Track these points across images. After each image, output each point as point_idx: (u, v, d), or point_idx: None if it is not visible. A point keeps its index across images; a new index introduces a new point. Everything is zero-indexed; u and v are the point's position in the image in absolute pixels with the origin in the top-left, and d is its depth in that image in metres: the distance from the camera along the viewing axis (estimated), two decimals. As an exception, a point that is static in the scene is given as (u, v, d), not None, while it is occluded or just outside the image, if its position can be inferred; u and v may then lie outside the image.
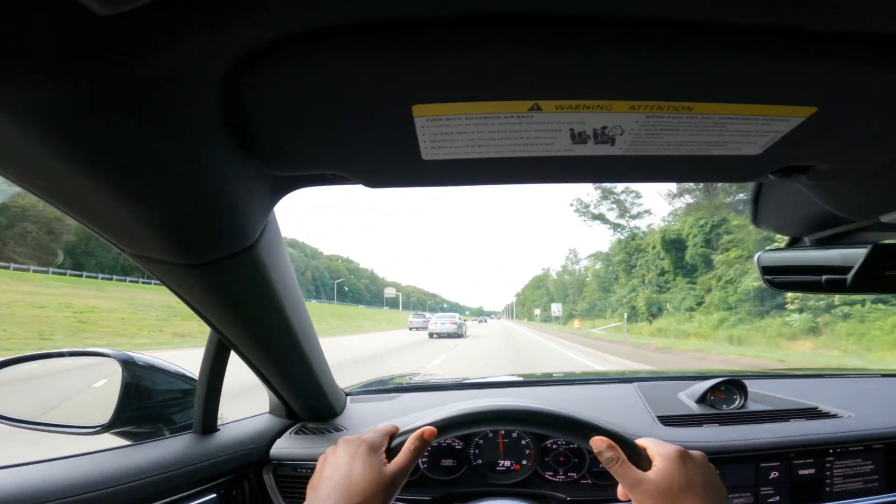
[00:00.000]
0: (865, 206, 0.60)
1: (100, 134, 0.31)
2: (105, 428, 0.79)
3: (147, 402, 0.84)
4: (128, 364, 0.81)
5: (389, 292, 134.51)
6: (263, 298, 0.62)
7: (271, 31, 0.29)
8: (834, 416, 1.02)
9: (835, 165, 0.46)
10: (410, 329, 29.19)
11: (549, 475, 0.93)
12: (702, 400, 1.07)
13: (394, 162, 0.44)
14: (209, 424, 0.83)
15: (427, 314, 34.28)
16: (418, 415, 0.64)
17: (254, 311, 0.64)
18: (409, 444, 0.56)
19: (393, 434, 0.59)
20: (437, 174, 0.46)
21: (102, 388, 0.87)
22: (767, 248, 0.78)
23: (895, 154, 0.44)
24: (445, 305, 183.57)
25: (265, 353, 0.76)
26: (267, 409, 1.01)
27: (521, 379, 1.39)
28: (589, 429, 0.60)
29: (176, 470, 0.73)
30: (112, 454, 0.71)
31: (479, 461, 0.95)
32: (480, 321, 67.24)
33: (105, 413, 0.80)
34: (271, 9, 0.28)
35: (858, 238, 0.72)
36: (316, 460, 0.62)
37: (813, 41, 0.30)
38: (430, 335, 22.47)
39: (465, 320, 31.98)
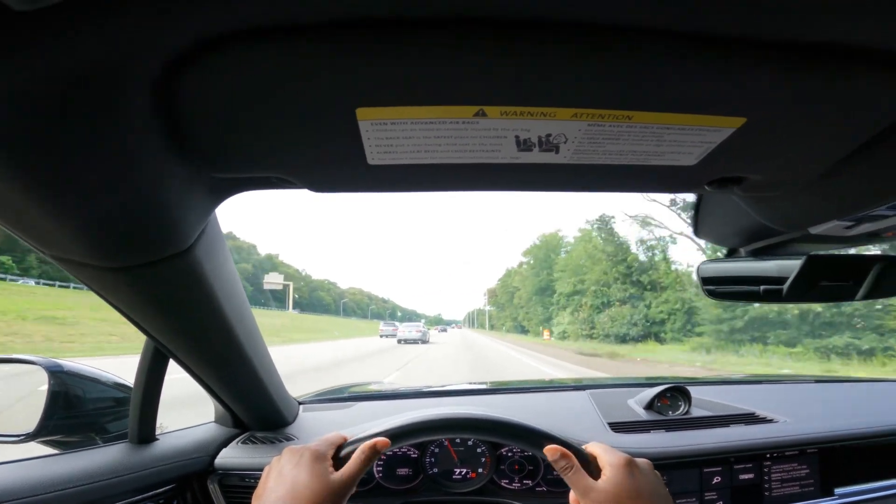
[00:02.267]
0: (796, 218, 0.62)
1: (15, 128, 0.28)
2: (30, 436, 0.74)
3: (77, 410, 0.79)
4: (55, 372, 0.77)
5: (271, 280, 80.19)
6: (202, 304, 0.58)
7: (207, 28, 0.28)
8: (770, 420, 1.07)
9: (766, 177, 0.48)
10: (381, 336, 30.68)
11: (505, 483, 0.93)
12: (649, 406, 1.10)
13: (339, 166, 0.42)
14: (146, 433, 0.79)
15: (396, 323, 36.60)
16: (371, 424, 0.63)
17: (191, 317, 0.61)
18: (360, 453, 0.56)
19: (341, 444, 0.58)
20: (383, 180, 0.45)
21: (31, 396, 0.81)
22: (707, 259, 0.82)
23: (822, 168, 0.46)
24: (399, 313, 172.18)
25: (206, 361, 0.73)
26: (212, 419, 0.97)
27: (478, 387, 1.40)
28: (541, 437, 0.61)
29: (108, 479, 0.69)
30: (38, 462, 0.67)
31: (435, 470, 0.94)
32: (441, 330, 72.73)
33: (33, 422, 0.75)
34: (206, 6, 0.26)
35: (791, 249, 0.76)
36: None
37: (744, 51, 0.31)
38: (399, 341, 23.30)
39: (429, 329, 33.78)
